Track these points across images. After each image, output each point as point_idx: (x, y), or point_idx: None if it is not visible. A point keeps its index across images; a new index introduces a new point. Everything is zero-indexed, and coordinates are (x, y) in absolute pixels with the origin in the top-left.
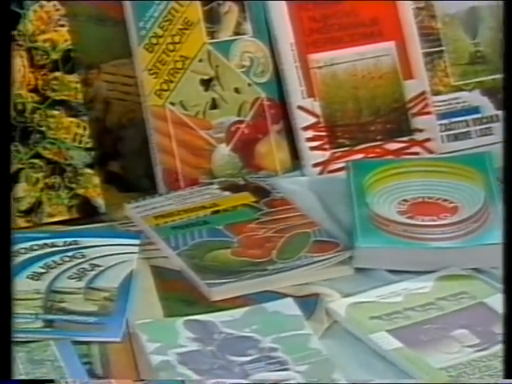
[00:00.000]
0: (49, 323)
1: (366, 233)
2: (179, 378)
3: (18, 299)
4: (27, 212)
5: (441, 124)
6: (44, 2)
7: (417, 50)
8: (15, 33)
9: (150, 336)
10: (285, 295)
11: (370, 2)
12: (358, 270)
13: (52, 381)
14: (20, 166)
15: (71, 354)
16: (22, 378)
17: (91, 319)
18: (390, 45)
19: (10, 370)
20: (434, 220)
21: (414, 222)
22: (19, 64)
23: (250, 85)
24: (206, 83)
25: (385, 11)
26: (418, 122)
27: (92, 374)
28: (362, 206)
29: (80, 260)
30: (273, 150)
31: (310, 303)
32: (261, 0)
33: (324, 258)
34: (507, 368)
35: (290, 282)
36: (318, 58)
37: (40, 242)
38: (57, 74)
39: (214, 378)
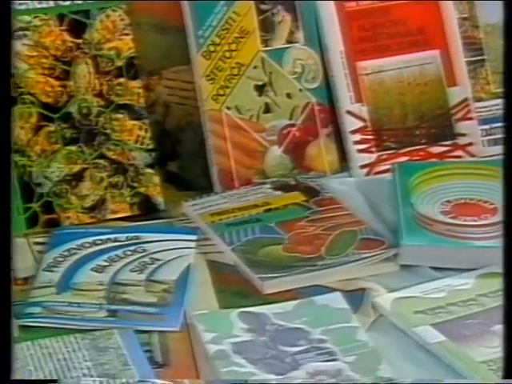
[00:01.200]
0: (112, 313)
1: (411, 231)
2: (234, 367)
3: (82, 290)
4: (91, 209)
5: (482, 129)
6: (110, 12)
7: (460, 58)
8: (81, 41)
9: (206, 326)
10: (333, 289)
11: (416, 12)
12: (403, 266)
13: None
14: (85, 165)
15: (133, 342)
16: (88, 365)
17: (151, 310)
18: (435, 53)
19: (10, 370)
20: (475, 220)
21: (457, 222)
22: (85, 70)
23: (301, 90)
24: (260, 89)
25: (430, 21)
26: (460, 127)
27: (152, 361)
28: (407, 206)
29: (141, 254)
30: (322, 152)
31: (357, 297)
32: (312, 10)
33: (370, 254)
34: (507, 368)
35: (338, 277)
36: (366, 65)
37: (103, 237)
38: (121, 79)
39: (267, 367)
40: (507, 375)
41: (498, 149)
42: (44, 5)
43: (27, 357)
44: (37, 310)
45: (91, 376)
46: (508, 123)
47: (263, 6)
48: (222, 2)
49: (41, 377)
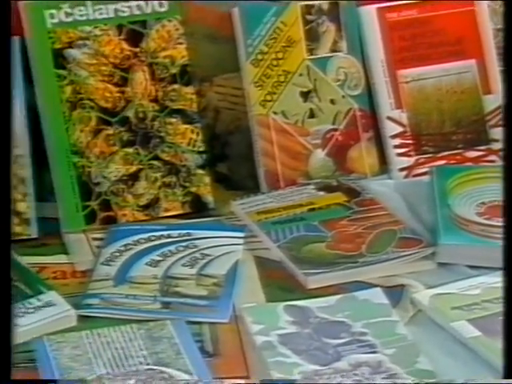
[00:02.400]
0: (166, 305)
1: (448, 231)
2: (280, 358)
3: (138, 283)
4: (146, 207)
5: None
6: (166, 23)
7: (495, 67)
8: (138, 50)
9: (254, 318)
10: (373, 285)
11: (454, 23)
12: (440, 264)
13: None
14: (140, 166)
15: (185, 333)
16: (143, 353)
17: (202, 302)
18: (472, 63)
19: (10, 370)
20: None
21: (491, 223)
22: (142, 77)
23: (344, 97)
24: (305, 95)
25: (467, 32)
26: (495, 132)
27: (203, 351)
28: (444, 207)
29: (192, 250)
30: (363, 156)
31: (396, 293)
32: (355, 21)
33: (409, 253)
34: (507, 368)
35: (379, 274)
36: (406, 73)
37: (157, 234)
38: (175, 86)
39: (311, 358)
40: (507, 375)
41: None
42: (104, 15)
43: (86, 345)
44: (95, 301)
45: (147, 364)
46: (508, 123)
47: (309, 17)
48: (271, 13)
49: (100, 364)
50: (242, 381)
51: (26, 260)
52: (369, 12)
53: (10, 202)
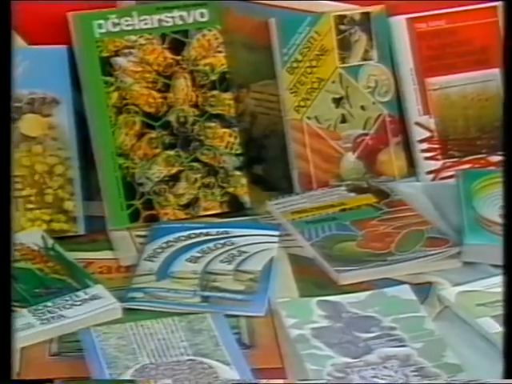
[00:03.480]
0: (205, 299)
1: (473, 232)
2: (313, 350)
3: (179, 278)
4: (186, 206)
5: None
6: (206, 32)
7: None
8: (180, 58)
9: (288, 312)
10: (402, 282)
11: (480, 33)
12: (466, 263)
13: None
14: (181, 168)
15: (224, 325)
16: (184, 345)
17: (240, 296)
18: (496, 71)
19: (10, 370)
20: None
21: None
22: (183, 84)
23: (374, 103)
24: (337, 101)
25: (492, 42)
26: None
27: (240, 343)
28: (470, 208)
29: (230, 247)
30: (392, 159)
31: (424, 290)
32: (386, 31)
33: (436, 252)
34: (507, 368)
35: (407, 271)
36: (433, 81)
37: (197, 231)
38: (214, 92)
39: (343, 351)
40: (507, 375)
41: None
42: (149, 26)
43: (130, 336)
44: (139, 294)
45: (187, 355)
46: (508, 125)
47: (342, 27)
48: (305, 23)
49: (144, 354)
50: (281, 381)
51: (73, 255)
52: (399, 22)
53: (10, 203)
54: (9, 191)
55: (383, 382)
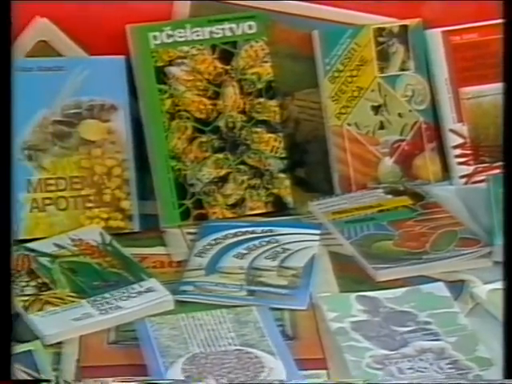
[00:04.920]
0: (251, 293)
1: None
2: (352, 343)
3: (226, 273)
4: (233, 206)
5: None
6: (253, 43)
7: None
8: (229, 67)
9: (329, 307)
10: (436, 280)
11: None
12: (496, 262)
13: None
14: (229, 170)
15: (269, 318)
16: (232, 335)
17: (283, 291)
18: None
19: (10, 370)
20: None
21: None
22: (232, 92)
23: (410, 111)
24: (376, 109)
25: None
26: None
27: (284, 334)
28: (499, 211)
29: (274, 244)
30: (427, 164)
31: (457, 287)
32: (422, 43)
33: (468, 251)
34: (507, 368)
35: (441, 270)
36: (467, 91)
37: (243, 230)
38: (260, 99)
39: (380, 344)
40: (507, 375)
41: None
42: (200, 37)
43: (182, 326)
44: (189, 288)
45: (235, 345)
46: (508, 126)
47: (380, 39)
48: (346, 35)
49: (194, 344)
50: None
51: (129, 251)
52: (434, 35)
53: (10, 205)
54: (9, 193)
55: (419, 374)
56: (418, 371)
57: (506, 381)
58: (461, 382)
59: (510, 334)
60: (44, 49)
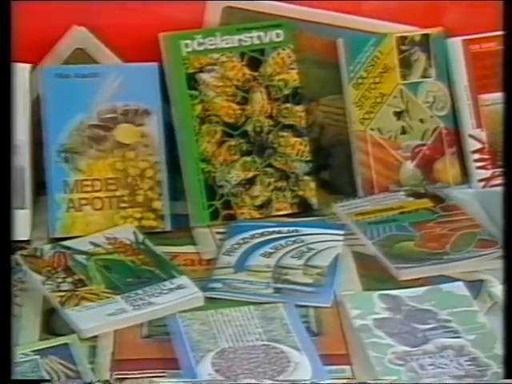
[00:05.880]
0: (277, 290)
1: None
2: (375, 339)
3: (254, 271)
4: (260, 207)
5: None
6: (280, 51)
7: None
8: (257, 74)
9: (352, 304)
10: (456, 279)
11: None
12: None
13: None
14: (257, 172)
15: (294, 315)
16: (259, 331)
17: (308, 289)
18: None
19: (10, 370)
20: None
21: None
22: (259, 97)
23: (431, 117)
24: (398, 114)
25: None
26: None
27: (309, 331)
28: None
29: (299, 244)
30: (447, 168)
31: (476, 287)
32: (443, 51)
33: (487, 252)
34: (507, 368)
35: (461, 270)
36: (486, 97)
37: (270, 230)
38: (287, 105)
39: (402, 340)
40: (507, 375)
41: None
42: (230, 45)
43: (211, 322)
44: (218, 285)
45: (262, 340)
46: (508, 128)
47: (403, 47)
48: (370, 43)
49: (223, 339)
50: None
51: (161, 249)
52: (455, 43)
53: (10, 204)
54: (9, 194)
55: (440, 370)
56: (438, 367)
57: (506, 381)
58: (461, 382)
59: (510, 333)
60: (81, 56)
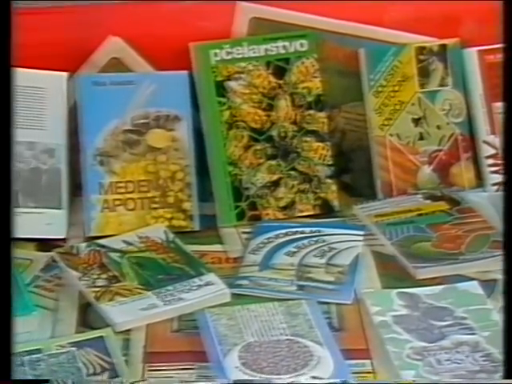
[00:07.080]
0: (301, 287)
1: None
2: (394, 335)
3: (278, 269)
4: (284, 208)
5: None
6: (304, 60)
7: None
8: (282, 82)
9: (372, 301)
10: (471, 278)
11: None
12: None
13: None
14: (281, 175)
15: (317, 311)
16: (283, 326)
17: (330, 286)
18: None
19: (10, 370)
20: None
21: None
22: (284, 104)
23: (448, 123)
24: (416, 121)
25: None
26: None
27: (331, 326)
28: None
29: (321, 244)
30: (463, 172)
31: (490, 286)
32: (460, 61)
33: (500, 253)
34: (507, 368)
35: (475, 269)
36: (500, 105)
37: (293, 230)
38: (310, 111)
39: (420, 336)
40: (507, 375)
41: None
42: (256, 54)
43: (238, 317)
44: (245, 282)
45: (286, 335)
46: (508, 129)
47: (421, 57)
48: (390, 53)
49: (249, 334)
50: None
51: (190, 248)
52: (471, 53)
53: (10, 204)
54: (9, 194)
55: (456, 365)
56: (454, 363)
57: (506, 381)
58: (461, 381)
59: (510, 334)
60: (116, 65)
